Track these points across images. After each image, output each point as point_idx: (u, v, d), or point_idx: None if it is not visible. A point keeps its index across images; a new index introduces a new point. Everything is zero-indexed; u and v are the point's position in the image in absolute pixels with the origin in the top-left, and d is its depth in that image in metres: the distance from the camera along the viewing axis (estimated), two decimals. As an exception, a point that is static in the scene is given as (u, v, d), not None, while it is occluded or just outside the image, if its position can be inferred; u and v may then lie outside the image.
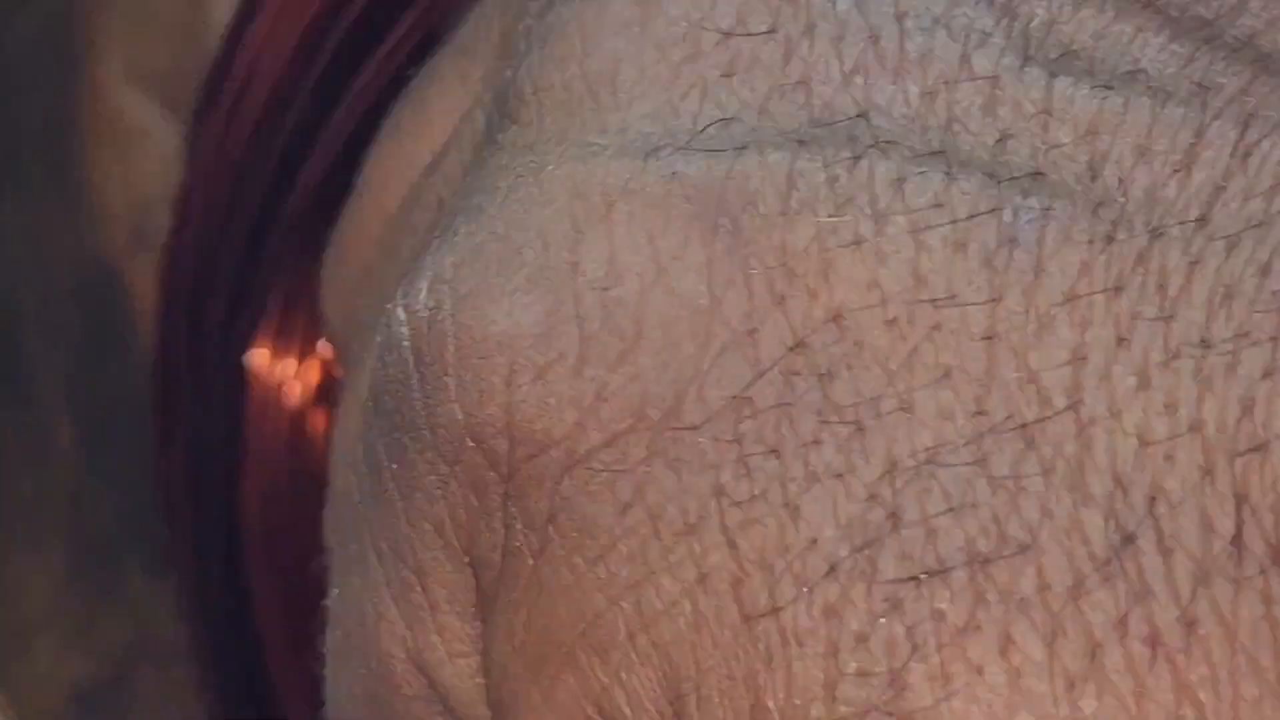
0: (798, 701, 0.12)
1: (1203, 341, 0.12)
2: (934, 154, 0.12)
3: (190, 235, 0.18)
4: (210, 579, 0.20)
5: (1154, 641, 0.11)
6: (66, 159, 0.22)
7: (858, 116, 0.13)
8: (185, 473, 0.19)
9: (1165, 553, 0.11)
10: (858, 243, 0.13)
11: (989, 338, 0.12)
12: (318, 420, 0.19)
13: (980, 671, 0.12)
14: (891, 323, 0.12)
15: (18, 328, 0.22)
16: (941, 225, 0.12)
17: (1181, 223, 0.12)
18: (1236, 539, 0.11)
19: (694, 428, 0.13)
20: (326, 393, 0.18)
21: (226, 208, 0.17)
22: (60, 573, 0.23)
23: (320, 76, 0.17)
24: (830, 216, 0.13)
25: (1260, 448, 0.11)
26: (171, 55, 0.23)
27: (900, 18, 0.13)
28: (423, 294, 0.14)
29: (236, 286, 0.17)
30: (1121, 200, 0.13)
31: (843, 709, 0.12)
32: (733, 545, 0.12)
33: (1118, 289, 0.12)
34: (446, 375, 0.14)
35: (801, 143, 0.13)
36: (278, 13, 0.18)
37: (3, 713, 0.22)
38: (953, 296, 0.12)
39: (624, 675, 0.13)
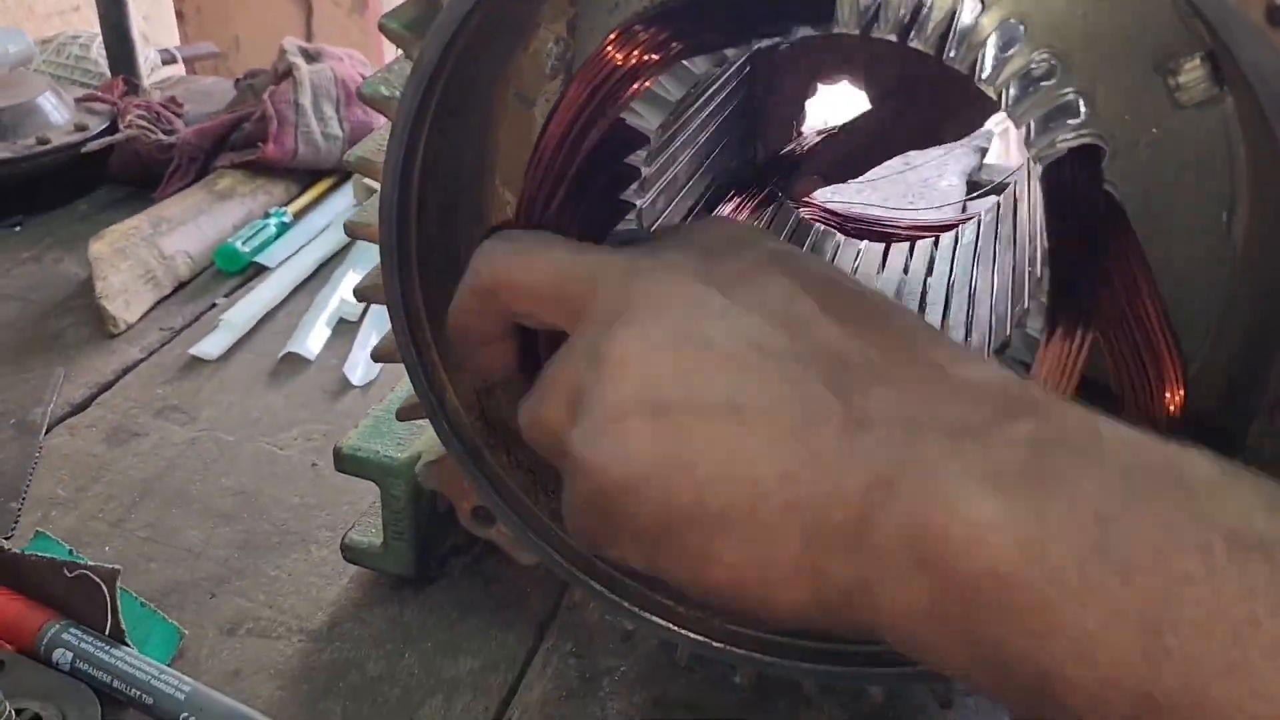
0: None
1: None
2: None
3: (521, 206, 0.49)
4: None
5: None
6: (483, 203, 0.55)
7: None
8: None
9: None
10: None
11: None
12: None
13: None
14: None
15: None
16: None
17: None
18: None
19: None
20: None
21: (533, 199, 0.48)
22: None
23: (565, 154, 0.46)
24: None
25: None
26: (514, 175, 0.56)
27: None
28: None
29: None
30: None
31: None
32: None
33: None
34: None
35: None
36: (552, 130, 0.48)
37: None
38: None
39: None
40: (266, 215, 1.05)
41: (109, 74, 1.35)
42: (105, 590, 0.53)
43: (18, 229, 1.07)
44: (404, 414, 0.53)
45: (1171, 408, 0.45)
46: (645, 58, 0.46)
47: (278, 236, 1.03)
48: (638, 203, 0.53)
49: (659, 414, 0.33)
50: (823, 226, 0.75)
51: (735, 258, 0.37)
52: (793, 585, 0.32)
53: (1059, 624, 0.27)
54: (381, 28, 0.44)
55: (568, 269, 0.38)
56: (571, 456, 0.35)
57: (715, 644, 0.52)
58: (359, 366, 0.82)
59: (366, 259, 0.97)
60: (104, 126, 1.15)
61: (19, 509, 0.68)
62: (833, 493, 0.31)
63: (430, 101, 0.45)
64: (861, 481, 0.31)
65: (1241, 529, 0.27)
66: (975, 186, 1.15)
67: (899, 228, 0.77)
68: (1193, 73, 0.43)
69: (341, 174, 1.16)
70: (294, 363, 0.84)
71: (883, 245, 0.75)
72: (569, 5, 0.51)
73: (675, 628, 0.52)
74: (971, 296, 0.61)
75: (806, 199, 0.77)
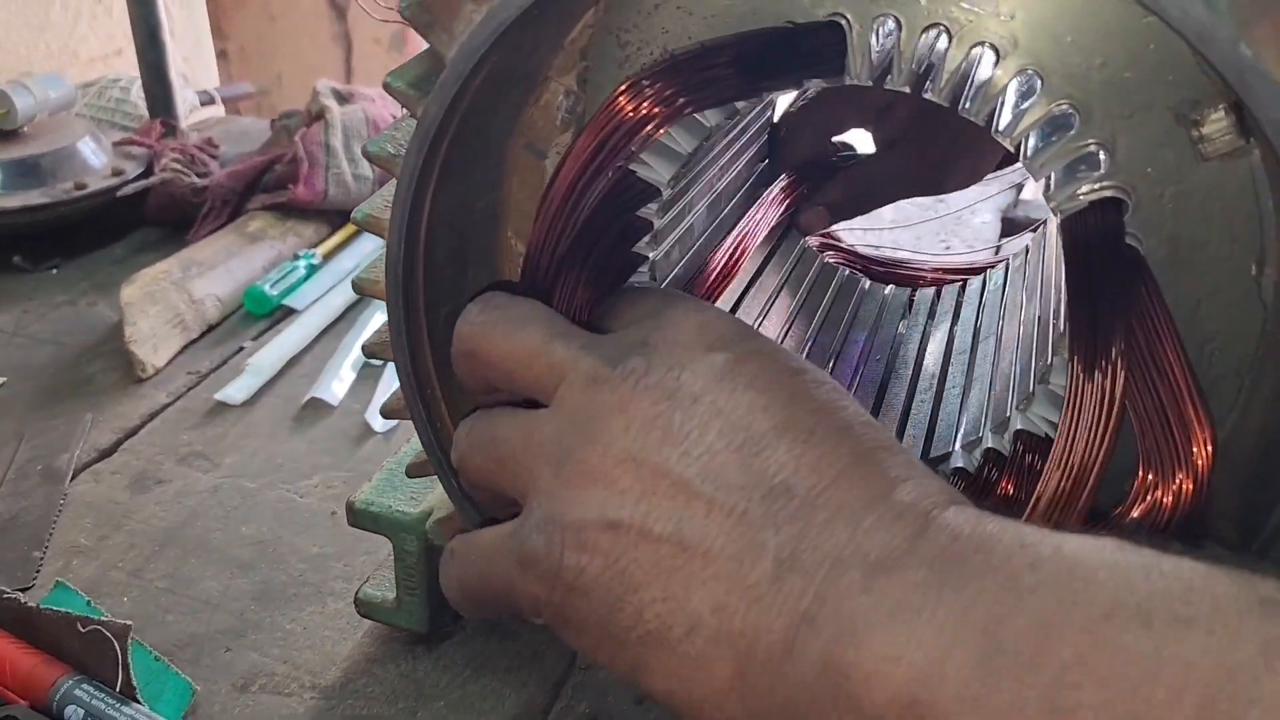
0: None
1: None
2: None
3: (527, 257, 0.49)
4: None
5: None
6: (494, 254, 0.55)
7: None
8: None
9: None
10: None
11: None
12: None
13: None
14: None
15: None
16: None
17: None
18: None
19: None
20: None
21: (539, 249, 0.47)
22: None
23: (572, 205, 0.45)
24: None
25: None
26: (526, 227, 0.56)
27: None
28: None
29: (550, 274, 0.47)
30: None
31: None
32: None
33: None
34: None
35: None
36: (560, 181, 0.48)
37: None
38: None
39: None
40: (296, 257, 1.06)
41: (149, 116, 1.37)
42: (117, 646, 0.53)
43: (55, 271, 1.09)
44: (413, 470, 0.53)
45: (1200, 466, 0.44)
46: (654, 110, 0.45)
47: (306, 279, 1.04)
48: (651, 255, 0.52)
49: (613, 529, 0.36)
50: (848, 270, 0.74)
51: (702, 364, 0.37)
52: (725, 707, 0.34)
53: None
54: (386, 87, 0.44)
55: (532, 356, 0.41)
56: (523, 540, 0.38)
57: (730, 707, 0.50)
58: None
59: (393, 301, 0.97)
60: (140, 170, 1.17)
61: (41, 558, 0.68)
62: (760, 626, 0.33)
63: (435, 159, 0.45)
64: (786, 618, 0.33)
65: (1120, 600, 0.29)
66: (1010, 223, 1.13)
67: (925, 271, 0.75)
68: (1217, 124, 0.41)
69: (372, 214, 1.17)
70: (318, 408, 0.84)
71: (909, 289, 0.73)
72: (579, 59, 0.50)
73: (689, 690, 0.51)
74: (997, 347, 0.59)
75: (832, 241, 0.76)
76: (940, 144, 0.67)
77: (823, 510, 0.34)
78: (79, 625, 0.54)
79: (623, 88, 0.45)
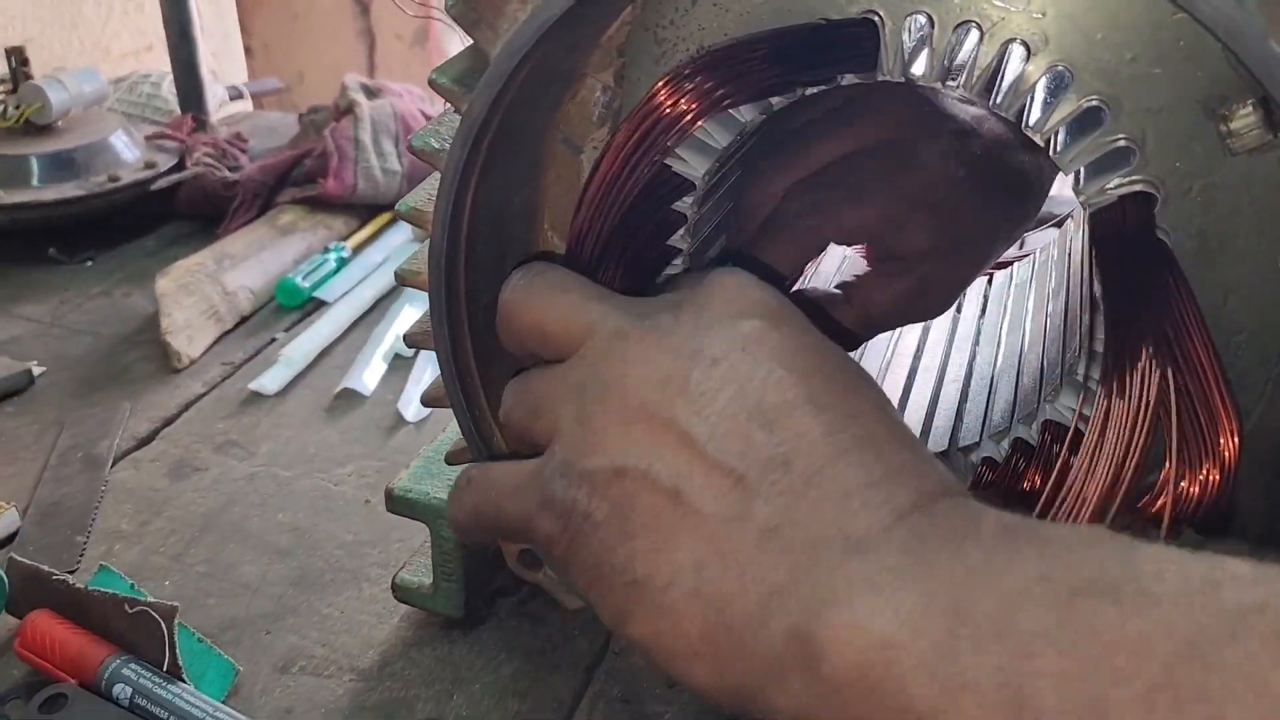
0: None
1: None
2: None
3: (569, 250, 0.49)
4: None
5: None
6: (532, 247, 0.56)
7: None
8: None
9: None
10: None
11: None
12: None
13: None
14: None
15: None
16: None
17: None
18: None
19: None
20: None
21: (579, 242, 0.48)
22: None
23: (611, 199, 0.46)
24: None
25: None
26: (562, 220, 0.57)
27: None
28: None
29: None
30: None
31: None
32: None
33: None
34: None
35: None
36: (600, 174, 0.48)
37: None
38: None
39: None
40: (326, 250, 1.08)
41: (179, 111, 1.39)
42: (164, 627, 0.55)
43: (89, 264, 1.10)
44: (453, 458, 0.54)
45: (1227, 457, 0.44)
46: (691, 105, 0.46)
47: (337, 271, 1.05)
48: (684, 248, 0.53)
49: (621, 476, 0.37)
50: (874, 264, 0.75)
51: (727, 329, 0.38)
52: (695, 665, 0.35)
53: (924, 707, 0.29)
54: (431, 83, 0.45)
55: (566, 315, 0.41)
56: (546, 482, 0.39)
57: (761, 690, 0.51)
58: (413, 403, 0.84)
59: (422, 296, 0.98)
60: (172, 164, 1.18)
61: (84, 542, 0.70)
62: (735, 591, 0.34)
63: (478, 154, 0.46)
64: (761, 588, 0.34)
65: (1091, 578, 0.29)
66: (1033, 218, 1.13)
67: (952, 265, 0.76)
68: (1245, 119, 0.42)
69: (400, 208, 1.18)
70: (350, 398, 0.86)
71: (935, 283, 0.74)
72: (616, 56, 0.51)
73: (721, 673, 0.52)
74: (1024, 339, 0.60)
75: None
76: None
77: (815, 488, 0.35)
78: (126, 606, 0.56)
79: (661, 83, 0.46)
